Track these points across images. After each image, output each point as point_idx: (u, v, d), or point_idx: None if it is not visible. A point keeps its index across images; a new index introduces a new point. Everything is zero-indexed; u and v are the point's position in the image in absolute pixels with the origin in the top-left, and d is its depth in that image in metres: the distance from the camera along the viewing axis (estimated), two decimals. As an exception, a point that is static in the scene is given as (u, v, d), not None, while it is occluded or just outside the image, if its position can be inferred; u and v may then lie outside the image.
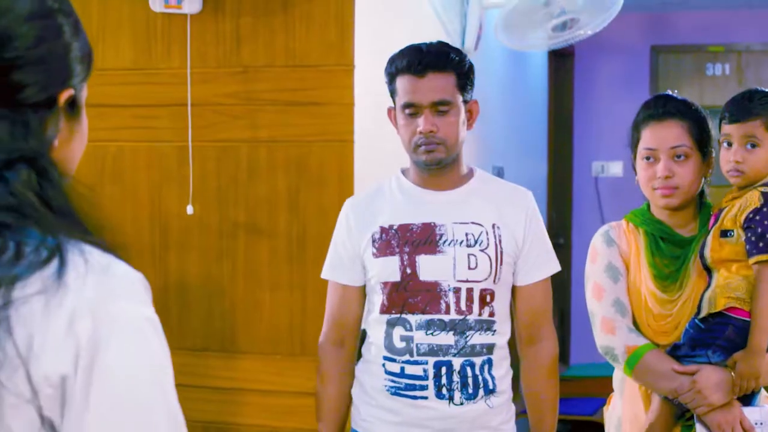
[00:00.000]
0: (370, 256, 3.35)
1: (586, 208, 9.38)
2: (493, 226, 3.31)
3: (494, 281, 3.29)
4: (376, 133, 4.42)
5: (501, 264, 3.29)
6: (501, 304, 3.34)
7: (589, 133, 9.53)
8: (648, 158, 3.36)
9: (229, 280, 4.44)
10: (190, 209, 4.40)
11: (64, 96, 1.52)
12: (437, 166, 3.31)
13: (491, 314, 3.30)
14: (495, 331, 3.31)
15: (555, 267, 3.44)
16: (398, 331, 3.31)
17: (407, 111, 3.28)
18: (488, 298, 3.29)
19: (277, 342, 4.39)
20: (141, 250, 4.52)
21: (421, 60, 3.25)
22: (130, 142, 4.55)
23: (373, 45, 4.42)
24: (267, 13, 4.35)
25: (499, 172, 6.70)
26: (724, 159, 3.30)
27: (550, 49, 6.53)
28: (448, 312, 3.26)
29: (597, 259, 3.45)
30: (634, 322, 3.37)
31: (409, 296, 3.28)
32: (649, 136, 3.37)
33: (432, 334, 3.26)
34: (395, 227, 3.32)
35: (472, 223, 3.31)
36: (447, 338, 3.26)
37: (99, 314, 1.37)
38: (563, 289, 8.73)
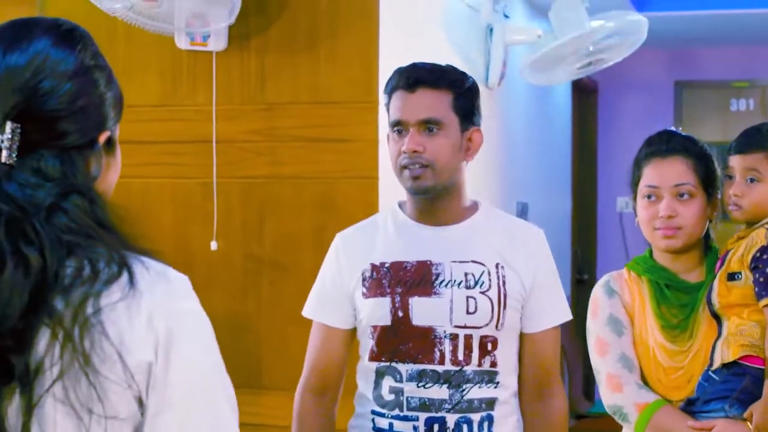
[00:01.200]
0: (360, 297, 3.02)
1: (610, 243, 9.35)
2: (497, 266, 2.98)
3: (497, 327, 2.95)
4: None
5: (504, 308, 2.95)
6: (506, 354, 2.99)
7: (614, 169, 9.51)
8: (649, 196, 3.17)
9: (254, 317, 4.44)
10: (214, 245, 4.41)
11: (103, 137, 1.79)
12: (426, 196, 2.97)
13: (493, 364, 2.95)
14: (498, 383, 2.96)
15: (566, 315, 3.10)
16: (387, 382, 2.97)
17: (395, 129, 2.99)
18: (490, 346, 2.94)
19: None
20: (166, 286, 4.52)
21: (412, 74, 2.97)
22: (156, 179, 4.57)
23: (398, 81, 4.43)
24: (292, 50, 4.37)
25: (524, 208, 6.70)
26: (726, 192, 3.15)
27: (573, 80, 6.54)
28: (442, 362, 2.91)
29: (598, 313, 3.22)
30: (643, 378, 3.14)
31: (400, 342, 2.94)
32: (651, 173, 3.19)
33: (424, 386, 2.91)
34: (387, 265, 3.00)
35: (473, 262, 2.97)
36: (440, 392, 2.91)
37: (170, 312, 1.71)
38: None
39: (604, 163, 9.58)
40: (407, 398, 2.93)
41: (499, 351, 2.97)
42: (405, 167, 2.95)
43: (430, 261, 2.98)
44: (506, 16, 5.92)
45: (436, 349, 2.92)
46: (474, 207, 3.10)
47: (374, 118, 4.26)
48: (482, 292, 2.95)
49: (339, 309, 3.10)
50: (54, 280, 1.63)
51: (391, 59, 4.34)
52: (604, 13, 5.56)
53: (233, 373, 4.78)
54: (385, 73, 4.25)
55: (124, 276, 1.67)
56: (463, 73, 3.06)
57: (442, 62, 3.07)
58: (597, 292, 3.26)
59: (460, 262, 2.97)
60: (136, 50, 4.58)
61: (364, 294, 3.01)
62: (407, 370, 2.93)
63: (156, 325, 1.68)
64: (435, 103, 2.95)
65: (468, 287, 2.95)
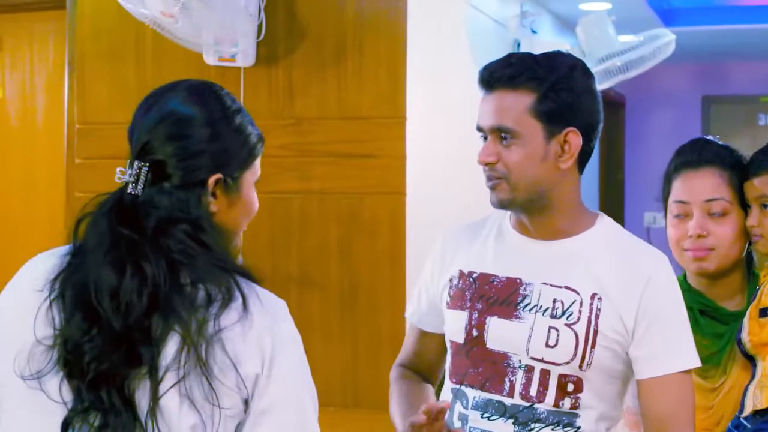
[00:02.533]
0: (444, 305, 2.71)
1: (638, 258, 9.30)
2: (593, 296, 2.52)
3: (581, 367, 2.51)
4: (428, 185, 4.43)
5: (593, 347, 2.50)
6: (597, 398, 2.55)
7: (641, 184, 9.49)
8: (678, 214, 2.84)
9: (281, 331, 4.44)
10: (240, 260, 4.41)
11: (212, 180, 2.11)
12: (507, 209, 2.63)
13: (574, 407, 2.52)
14: (580, 430, 2.53)
15: (688, 361, 2.54)
16: (458, 407, 2.64)
17: (479, 135, 2.62)
18: (570, 387, 2.52)
19: (329, 393, 4.37)
20: (194, 300, 4.54)
21: (491, 71, 2.58)
22: (184, 194, 4.58)
23: (425, 97, 4.43)
24: (320, 65, 4.38)
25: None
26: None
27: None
28: (511, 394, 2.54)
29: None
30: None
31: (470, 365, 2.61)
32: (680, 187, 2.84)
33: (488, 418, 2.57)
34: (475, 275, 2.64)
35: (566, 288, 2.55)
36: (505, 427, 2.55)
37: (273, 333, 2.06)
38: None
39: (631, 177, 9.55)
40: (470, 428, 2.59)
41: (585, 394, 2.53)
42: (486, 178, 2.60)
43: (520, 279, 2.59)
44: (534, 31, 5.92)
45: (507, 379, 2.56)
46: (590, 221, 2.66)
47: (402, 133, 4.26)
48: (568, 325, 2.52)
49: (429, 311, 2.79)
50: (171, 290, 2.00)
51: (418, 74, 4.34)
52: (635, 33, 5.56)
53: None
54: (412, 88, 4.26)
55: (239, 300, 2.04)
56: (556, 66, 2.57)
57: (471, 77, 2.71)
58: None
59: (552, 285, 2.56)
60: (165, 66, 4.59)
61: (447, 303, 2.69)
62: (474, 397, 2.59)
63: (263, 343, 2.04)
64: (509, 107, 2.53)
65: (553, 316, 2.54)
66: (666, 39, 5.46)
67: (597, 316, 2.51)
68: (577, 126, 2.55)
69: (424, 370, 2.87)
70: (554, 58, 2.58)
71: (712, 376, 2.76)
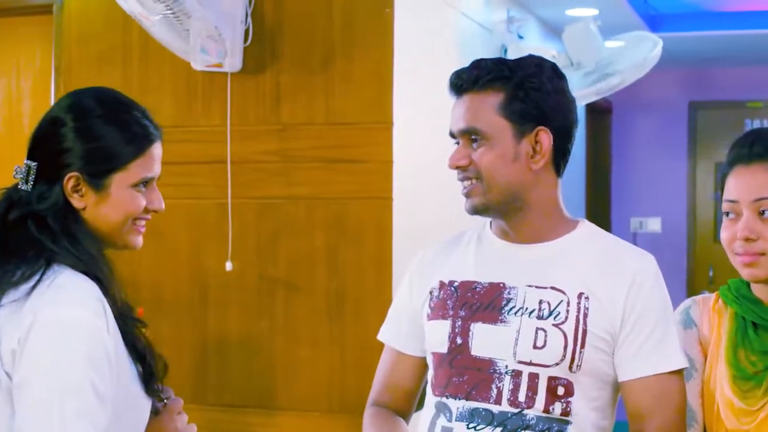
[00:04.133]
0: (425, 318, 2.62)
1: (624, 264, 9.31)
2: (580, 295, 2.45)
3: (570, 369, 2.42)
4: (415, 191, 4.43)
5: (582, 347, 2.42)
6: (587, 404, 2.45)
7: (628, 189, 9.52)
8: (728, 213, 2.50)
9: (268, 337, 4.44)
10: (229, 266, 4.41)
11: (67, 178, 2.24)
12: (482, 215, 2.56)
13: (565, 413, 2.42)
14: None
15: (675, 362, 2.46)
16: (440, 421, 2.51)
17: (453, 141, 2.58)
18: (560, 391, 2.42)
19: (315, 399, 4.38)
20: (180, 305, 4.54)
21: (457, 76, 2.55)
22: (170, 199, 4.51)
23: (412, 103, 4.44)
24: (306, 71, 4.38)
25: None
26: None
27: (585, 104, 6.55)
28: (498, 401, 2.43)
29: None
30: None
31: (454, 374, 2.49)
32: (731, 185, 2.50)
33: (475, 428, 2.44)
34: (456, 284, 2.56)
35: (552, 288, 2.47)
36: None
37: (38, 315, 2.11)
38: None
39: (618, 183, 9.57)
40: None
41: (576, 398, 2.43)
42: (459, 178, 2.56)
43: (503, 284, 2.51)
44: (520, 37, 5.93)
45: (493, 386, 2.45)
46: (571, 226, 2.59)
47: (388, 138, 4.26)
48: (556, 325, 2.44)
49: (408, 332, 2.68)
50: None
51: (405, 80, 4.35)
52: (620, 35, 5.58)
53: (248, 394, 4.84)
54: (399, 94, 4.26)
55: (31, 283, 2.15)
56: (523, 65, 2.52)
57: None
58: (675, 321, 2.61)
59: (537, 287, 2.49)
60: (151, 71, 4.59)
61: (428, 315, 2.60)
62: (458, 408, 2.47)
63: (24, 321, 2.11)
64: (477, 108, 2.49)
65: (540, 317, 2.45)
66: (651, 41, 5.47)
67: (585, 315, 2.44)
68: (549, 125, 2.49)
69: (399, 402, 2.71)
70: (522, 58, 2.56)
71: (753, 396, 2.44)
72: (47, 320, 2.11)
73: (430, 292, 2.61)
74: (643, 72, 5.59)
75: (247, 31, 4.39)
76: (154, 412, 2.38)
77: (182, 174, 4.55)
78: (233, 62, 4.36)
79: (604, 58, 5.68)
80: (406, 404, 2.71)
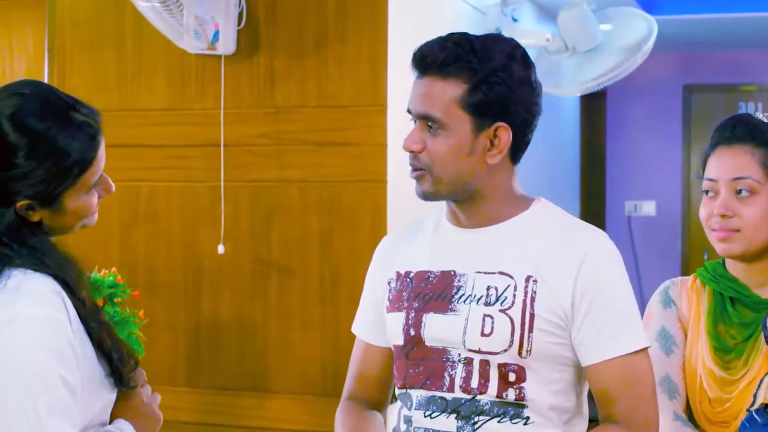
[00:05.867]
0: (385, 310, 2.58)
1: (618, 247, 9.25)
2: (528, 279, 2.39)
3: (520, 354, 2.36)
4: (409, 174, 4.42)
5: (530, 331, 2.36)
6: (543, 388, 2.40)
7: (622, 173, 9.51)
8: (708, 192, 2.65)
9: (261, 320, 4.44)
10: (221, 249, 4.41)
11: (18, 206, 2.19)
12: (431, 201, 2.50)
13: (519, 398, 2.38)
14: (528, 420, 2.39)
15: (634, 342, 2.39)
16: (403, 410, 2.50)
17: (409, 118, 2.49)
18: (512, 377, 2.38)
19: (308, 382, 4.38)
20: (174, 289, 4.54)
21: (423, 53, 2.42)
22: (164, 182, 4.58)
23: (406, 85, 4.41)
24: (300, 54, 4.37)
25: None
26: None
27: (582, 95, 6.56)
28: (451, 389, 2.41)
29: (650, 325, 2.72)
30: (689, 408, 2.65)
31: (410, 366, 2.48)
32: (711, 165, 2.65)
33: (430, 416, 2.43)
34: (412, 275, 2.52)
35: (500, 273, 2.41)
36: (448, 423, 2.41)
37: None
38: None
39: (613, 166, 9.57)
40: (414, 428, 2.45)
41: (529, 383, 2.38)
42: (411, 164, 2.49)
43: (454, 271, 2.46)
44: (515, 20, 5.92)
45: (446, 374, 2.42)
46: (524, 205, 2.50)
47: (383, 121, 4.26)
48: (502, 311, 2.38)
49: (374, 322, 2.63)
50: None
51: (399, 63, 4.34)
52: (613, 8, 5.56)
53: (241, 377, 4.84)
54: (393, 76, 4.26)
55: None
56: (492, 55, 2.39)
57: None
58: (652, 301, 2.77)
59: (486, 273, 2.43)
60: (145, 54, 4.58)
61: (387, 307, 2.56)
62: (417, 397, 2.45)
63: None
64: (438, 95, 2.38)
65: (487, 303, 2.40)
66: (644, 21, 5.47)
67: (533, 299, 2.37)
68: (509, 121, 2.40)
69: (372, 393, 2.67)
70: (492, 45, 2.40)
71: (734, 368, 2.59)
72: (6, 319, 2.09)
73: (389, 284, 2.58)
74: (640, 55, 5.58)
75: (240, 14, 4.38)
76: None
77: (175, 157, 4.55)
78: (226, 45, 4.36)
79: (600, 42, 5.67)
80: (380, 394, 2.66)
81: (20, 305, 2.11)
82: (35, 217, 2.22)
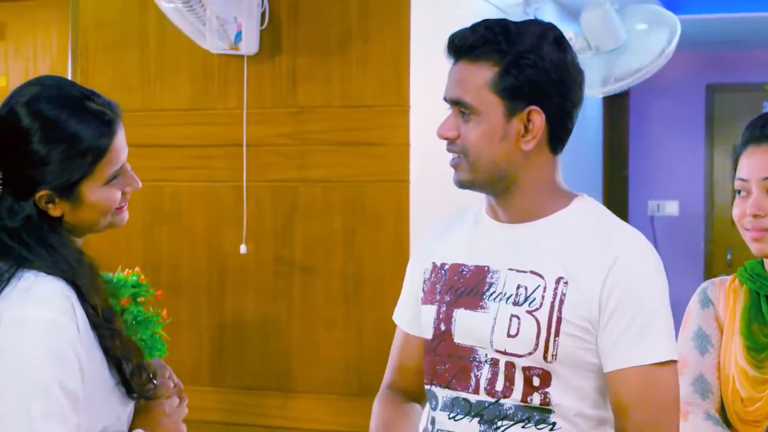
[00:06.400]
0: (419, 301, 2.52)
1: (641, 247, 9.30)
2: (558, 280, 2.30)
3: (545, 358, 2.29)
4: (431, 174, 4.42)
5: (557, 335, 2.28)
6: (569, 394, 2.31)
7: (645, 173, 9.48)
8: (739, 191, 2.65)
9: (285, 320, 4.45)
10: (243, 248, 4.42)
11: (38, 196, 2.19)
12: (469, 189, 2.43)
13: (545, 403, 2.30)
14: (554, 426, 2.31)
15: (657, 353, 2.27)
16: (428, 410, 2.46)
17: (446, 106, 2.44)
18: (536, 381, 2.30)
19: (333, 382, 4.38)
20: (197, 289, 4.54)
21: (456, 40, 2.40)
22: (186, 182, 4.58)
23: (429, 85, 4.42)
24: (323, 54, 4.37)
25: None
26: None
27: (605, 96, 6.54)
28: (476, 391, 2.34)
29: (687, 325, 2.70)
30: (723, 409, 2.61)
31: (438, 362, 2.42)
32: (742, 164, 2.64)
33: (454, 418, 2.37)
34: (447, 267, 2.46)
35: (531, 272, 2.33)
36: (470, 426, 2.34)
37: (3, 314, 2.09)
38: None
39: (635, 166, 9.54)
40: (437, 430, 2.41)
41: (554, 388, 2.30)
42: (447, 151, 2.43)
43: (488, 267, 2.39)
44: (537, 19, 5.91)
45: (472, 375, 2.35)
46: (564, 202, 2.42)
47: (405, 121, 4.26)
48: (529, 312, 2.30)
49: (413, 312, 2.56)
50: None
51: (422, 62, 4.34)
52: (636, 7, 5.55)
53: (265, 376, 4.83)
54: (415, 76, 4.25)
55: (2, 285, 2.14)
56: (523, 37, 2.34)
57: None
58: (692, 301, 2.74)
59: (518, 271, 2.35)
60: (168, 54, 4.59)
61: (422, 298, 2.50)
62: (443, 397, 2.40)
63: None
64: (469, 80, 2.34)
65: (516, 303, 2.32)
66: (667, 23, 5.45)
67: (561, 302, 2.28)
68: (542, 105, 2.32)
69: (410, 383, 2.60)
70: (525, 27, 2.36)
71: (766, 366, 2.55)
72: (11, 321, 2.09)
73: (424, 274, 2.52)
74: (663, 56, 5.56)
75: (263, 14, 4.38)
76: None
77: (198, 157, 4.55)
78: (249, 45, 4.36)
79: (623, 42, 5.66)
80: (419, 385, 2.54)
81: (27, 307, 2.10)
82: (56, 211, 2.22)
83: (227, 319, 4.52)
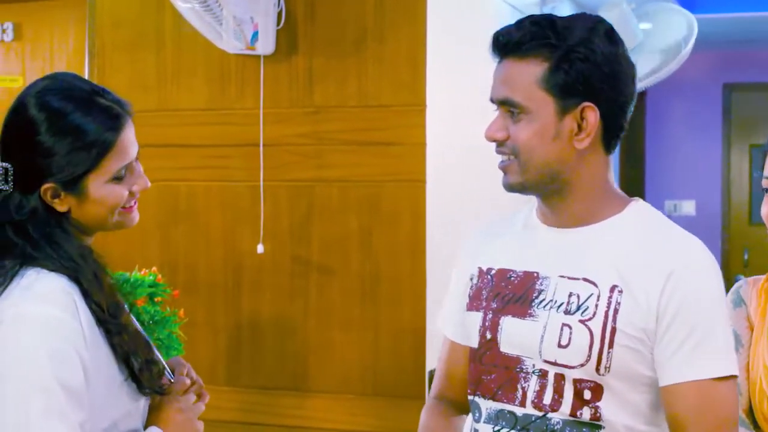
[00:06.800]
0: (464, 307, 2.40)
1: (658, 247, 9.28)
2: (613, 288, 2.18)
3: (597, 371, 2.16)
4: (448, 173, 4.42)
5: (610, 347, 2.15)
6: (621, 409, 2.20)
7: (662, 172, 9.47)
8: (766, 190, 2.55)
9: (301, 319, 4.45)
10: (260, 248, 4.42)
11: (43, 189, 2.19)
12: (519, 193, 2.30)
13: (595, 418, 2.18)
14: None
15: (716, 367, 2.15)
16: (470, 422, 2.35)
17: (494, 108, 2.29)
18: (587, 395, 2.17)
19: (348, 381, 4.38)
20: (214, 288, 4.54)
21: (500, 35, 2.26)
22: (203, 182, 4.59)
23: (446, 85, 4.42)
24: (339, 54, 4.37)
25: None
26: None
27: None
28: (523, 403, 2.23)
29: None
30: (751, 410, 2.54)
31: (483, 371, 2.30)
32: None
33: (498, 431, 2.26)
34: (493, 272, 2.34)
35: (584, 279, 2.21)
36: None
37: (6, 311, 2.09)
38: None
39: (652, 166, 9.53)
40: None
41: (606, 402, 2.18)
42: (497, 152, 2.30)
43: (537, 273, 2.27)
44: (553, 19, 5.90)
45: (519, 386, 2.24)
46: (618, 207, 2.30)
47: (422, 121, 4.25)
48: (582, 321, 2.18)
49: (458, 318, 2.44)
50: None
51: (438, 62, 4.33)
52: (653, 4, 5.53)
53: (281, 376, 4.84)
54: (432, 75, 4.25)
55: (4, 282, 2.14)
56: (573, 31, 2.22)
57: (491, 66, 2.29)
58: (725, 300, 2.46)
59: (569, 278, 2.23)
60: (185, 54, 4.60)
61: (466, 305, 2.38)
62: (487, 409, 2.29)
63: None
64: (517, 78, 2.21)
65: (567, 312, 2.20)
66: (683, 19, 5.44)
67: (616, 311, 2.16)
68: (596, 101, 2.20)
69: (458, 393, 2.46)
70: (573, 21, 2.23)
71: None
72: (11, 318, 2.10)
73: (470, 279, 2.39)
74: (680, 57, 5.55)
75: (279, 14, 4.38)
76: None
77: (215, 157, 4.56)
78: (266, 45, 4.37)
79: (640, 42, 5.64)
80: (466, 394, 2.40)
81: (27, 304, 2.10)
82: (62, 206, 2.22)
83: (244, 318, 4.53)
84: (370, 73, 4.34)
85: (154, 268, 3.86)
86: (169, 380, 2.37)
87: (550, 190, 2.26)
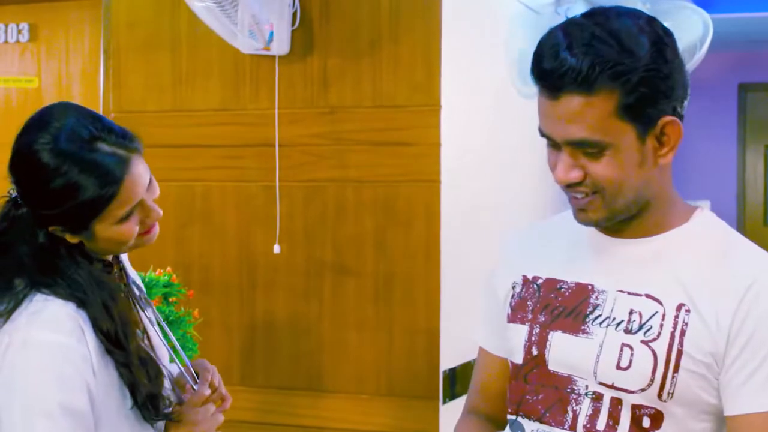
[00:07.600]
0: (505, 319, 2.24)
1: (673, 247, 9.27)
2: (679, 307, 2.01)
3: (660, 396, 1.99)
4: (463, 174, 4.42)
5: (675, 371, 1.98)
6: None
7: (676, 173, 9.37)
8: None
9: (316, 320, 4.45)
10: (276, 248, 4.42)
11: (52, 230, 2.23)
12: (604, 225, 2.11)
13: None
14: None
15: None
16: None
17: (547, 141, 2.07)
18: (647, 423, 2.01)
19: (363, 382, 4.38)
20: (229, 288, 4.55)
21: (555, 70, 1.96)
22: (218, 182, 4.59)
23: (460, 85, 4.42)
24: (354, 54, 4.37)
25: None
26: None
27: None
28: (573, 428, 2.06)
29: None
30: None
31: (528, 390, 2.14)
32: None
33: None
34: (540, 281, 2.18)
35: (647, 296, 2.04)
36: None
37: (13, 336, 2.12)
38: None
39: (667, 166, 9.52)
40: None
41: (665, 430, 2.01)
42: (570, 196, 2.09)
43: (591, 286, 2.10)
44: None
45: (569, 409, 2.07)
46: (684, 216, 2.14)
47: (437, 121, 4.25)
48: (645, 342, 2.00)
49: (496, 329, 2.29)
50: None
51: (453, 62, 4.33)
52: (668, 3, 5.51)
53: (295, 376, 4.85)
54: (447, 76, 4.25)
55: (11, 306, 2.16)
56: (639, 49, 1.96)
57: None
58: None
59: (630, 293, 2.05)
60: (200, 54, 4.60)
61: (508, 315, 2.22)
62: (531, 430, 2.13)
63: (3, 341, 2.13)
64: (588, 115, 1.95)
65: (628, 331, 2.02)
66: (699, 18, 5.42)
67: (683, 333, 1.98)
68: (673, 111, 2.05)
69: (494, 407, 2.34)
70: (633, 37, 1.97)
71: None
72: (17, 342, 2.12)
73: (513, 287, 2.24)
74: (696, 59, 5.53)
75: (294, 15, 4.38)
76: (178, 403, 2.35)
77: (230, 157, 4.56)
78: (281, 46, 4.37)
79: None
80: (503, 410, 2.26)
81: (33, 330, 2.12)
82: (73, 239, 2.25)
83: (258, 318, 4.53)
84: (385, 73, 4.34)
85: (168, 269, 3.87)
86: (192, 387, 2.37)
87: (633, 211, 2.09)
